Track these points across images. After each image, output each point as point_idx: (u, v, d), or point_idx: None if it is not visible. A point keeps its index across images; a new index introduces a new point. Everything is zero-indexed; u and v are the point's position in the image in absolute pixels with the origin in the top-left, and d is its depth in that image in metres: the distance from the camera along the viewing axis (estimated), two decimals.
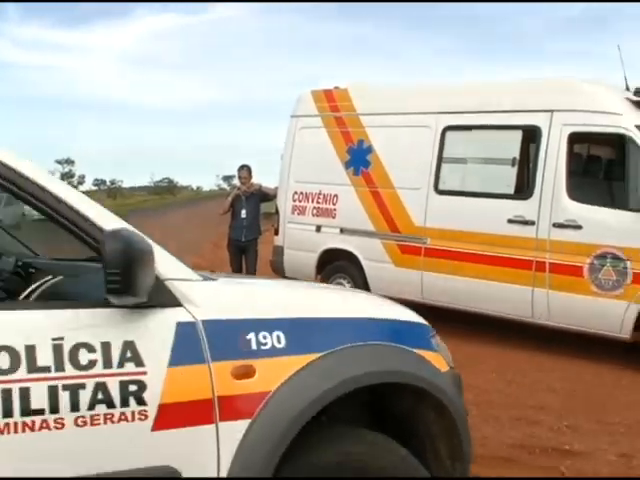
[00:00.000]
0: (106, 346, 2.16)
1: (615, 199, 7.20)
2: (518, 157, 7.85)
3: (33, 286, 2.77)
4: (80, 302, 2.31)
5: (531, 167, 7.84)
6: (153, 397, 2.18)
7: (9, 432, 2.00)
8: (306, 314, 2.53)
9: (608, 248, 6.97)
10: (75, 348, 2.12)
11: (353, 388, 2.40)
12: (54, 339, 2.11)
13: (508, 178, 7.90)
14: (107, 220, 2.30)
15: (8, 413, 2.00)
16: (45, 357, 2.09)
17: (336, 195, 9.23)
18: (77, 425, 2.09)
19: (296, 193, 9.59)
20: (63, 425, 2.07)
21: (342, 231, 9.16)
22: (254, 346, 2.33)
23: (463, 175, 8.43)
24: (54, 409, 2.06)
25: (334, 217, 9.25)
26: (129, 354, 2.18)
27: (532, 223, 7.47)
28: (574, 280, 7.14)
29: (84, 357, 2.12)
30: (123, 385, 2.15)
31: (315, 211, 9.35)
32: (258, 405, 2.29)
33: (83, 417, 2.10)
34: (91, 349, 2.14)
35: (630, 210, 6.89)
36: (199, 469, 2.24)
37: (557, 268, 7.30)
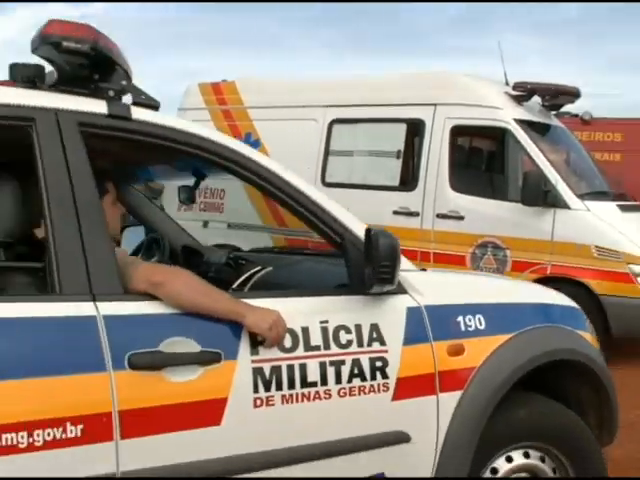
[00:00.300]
0: (358, 328, 2.50)
1: (495, 190, 7.52)
2: (403, 150, 7.96)
3: (244, 276, 3.03)
4: (334, 290, 2.62)
5: (415, 160, 7.99)
6: (393, 372, 2.53)
7: (292, 402, 2.32)
8: (499, 300, 2.94)
9: (489, 238, 7.22)
10: (337, 330, 2.45)
11: (541, 363, 2.85)
12: (321, 322, 2.43)
13: (393, 170, 8.03)
14: (347, 217, 2.62)
15: (291, 385, 2.31)
16: (315, 338, 2.40)
17: (223, 189, 8.99)
18: (339, 396, 2.42)
19: None
20: (330, 396, 2.41)
21: (229, 226, 8.96)
22: (462, 327, 2.72)
23: (350, 168, 8.47)
24: (324, 382, 2.39)
25: (221, 212, 9.06)
26: (375, 335, 2.52)
27: (417, 214, 7.63)
28: (457, 269, 7.22)
29: (344, 337, 2.46)
30: (371, 361, 2.50)
31: (202, 206, 9.00)
32: (468, 378, 2.68)
33: (344, 389, 2.43)
34: (348, 330, 2.48)
35: (509, 201, 7.19)
36: (424, 434, 2.62)
37: (441, 258, 7.51)
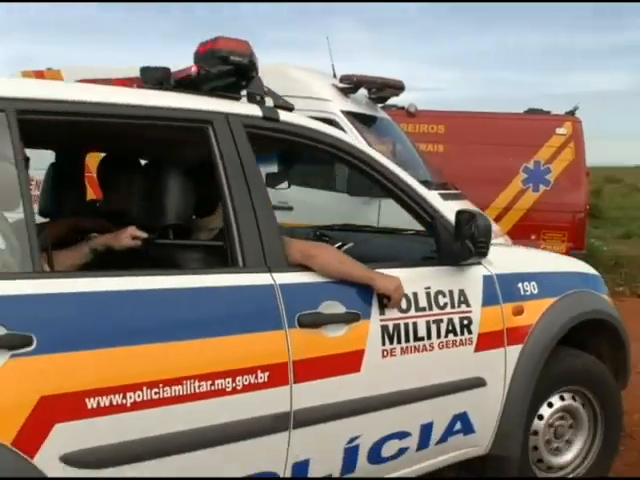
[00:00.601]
0: (451, 293, 3.11)
1: (323, 182, 7.61)
2: None
3: None
4: (430, 262, 3.23)
5: None
6: (475, 328, 3.16)
7: (408, 353, 2.93)
8: (547, 269, 3.63)
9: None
10: (436, 294, 3.07)
11: (580, 321, 3.51)
12: (425, 288, 3.01)
13: None
14: (437, 203, 3.26)
15: (407, 339, 2.92)
16: (422, 301, 3.00)
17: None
18: (439, 348, 3.03)
19: None
20: (432, 348, 3.01)
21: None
22: (522, 292, 3.39)
23: None
24: (429, 337, 2.99)
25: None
26: (462, 298, 3.14)
27: None
28: None
29: (441, 300, 3.06)
30: (460, 320, 3.11)
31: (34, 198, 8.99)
32: (527, 334, 3.33)
33: (442, 342, 3.05)
34: (444, 295, 3.09)
35: (337, 191, 7.40)
36: (495, 380, 3.27)
37: None
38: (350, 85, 7.27)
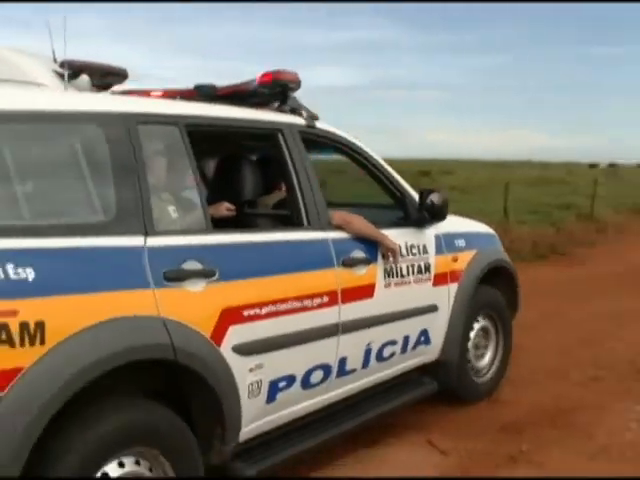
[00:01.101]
0: (418, 246, 4.72)
1: None
2: None
3: None
4: (405, 224, 4.76)
5: None
6: (432, 270, 4.80)
7: (399, 286, 4.47)
8: (469, 230, 5.44)
9: None
10: (410, 247, 4.66)
11: (493, 267, 5.46)
12: (405, 242, 4.60)
13: None
14: (405, 184, 4.86)
15: (397, 276, 4.45)
16: (404, 251, 4.58)
17: None
18: (414, 283, 4.62)
19: None
20: (410, 283, 4.59)
21: None
22: (457, 246, 5.11)
23: None
24: (407, 275, 4.55)
25: None
26: (424, 250, 4.76)
27: None
28: None
29: (414, 251, 4.66)
30: (425, 264, 4.71)
31: None
32: (460, 275, 5.03)
33: (414, 279, 4.63)
34: (414, 247, 4.69)
35: None
36: (443, 306, 4.95)
37: None
38: (71, 71, 7.54)
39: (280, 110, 4.10)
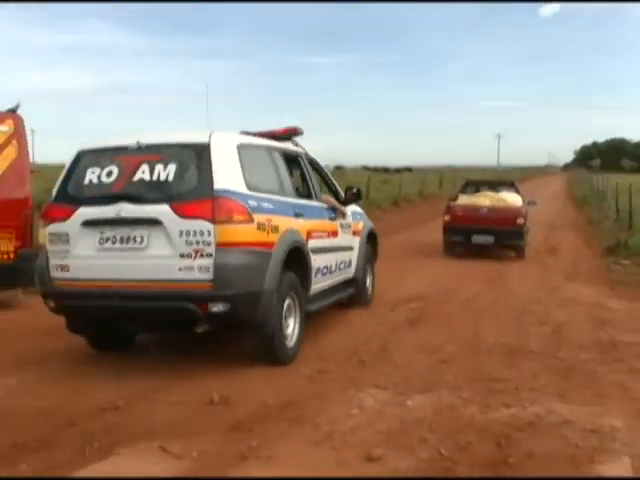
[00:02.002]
0: (347, 214, 9.12)
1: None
2: None
3: None
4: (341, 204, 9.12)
5: None
6: (351, 228, 9.16)
7: (343, 233, 8.84)
8: (358, 210, 9.95)
9: None
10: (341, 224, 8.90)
11: (370, 231, 10.32)
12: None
13: None
14: (337, 184, 9.57)
15: (343, 228, 8.89)
16: (341, 216, 8.98)
17: None
18: (346, 233, 8.88)
19: None
20: (345, 233, 8.88)
21: None
22: (357, 217, 9.61)
23: None
24: (344, 229, 8.86)
25: None
26: (349, 219, 9.13)
27: None
28: None
29: (347, 216, 9.05)
30: (348, 224, 9.06)
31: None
32: (360, 233, 9.55)
33: (347, 231, 8.90)
34: (346, 214, 9.10)
35: None
36: (355, 247, 9.32)
37: None
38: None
39: (293, 144, 8.60)
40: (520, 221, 15.50)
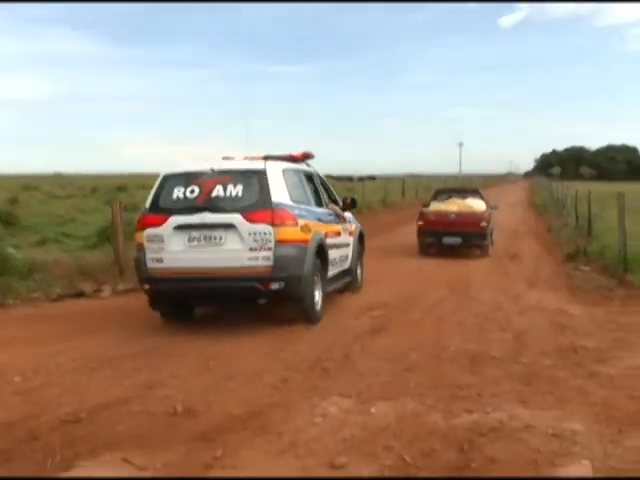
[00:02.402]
0: (348, 220, 11.69)
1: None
2: None
3: None
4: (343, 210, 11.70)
5: None
6: (348, 229, 11.49)
7: (346, 234, 11.41)
8: (351, 216, 12.58)
9: None
10: (348, 220, 11.80)
11: (360, 232, 13.07)
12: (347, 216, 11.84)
13: None
14: (336, 194, 11.88)
15: (345, 230, 11.40)
16: (345, 222, 11.64)
17: None
18: (345, 234, 11.25)
19: None
20: (345, 233, 11.28)
21: None
22: (351, 221, 12.04)
23: None
24: (344, 230, 11.19)
25: None
26: (349, 220, 11.67)
27: None
28: None
29: (347, 220, 11.55)
30: (347, 227, 11.45)
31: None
32: (353, 233, 12.03)
33: (345, 232, 11.25)
34: (348, 221, 11.68)
35: None
36: (351, 245, 11.78)
37: None
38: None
39: (307, 165, 10.72)
40: (483, 224, 17.61)
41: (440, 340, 8.36)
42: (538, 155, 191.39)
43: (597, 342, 8.20)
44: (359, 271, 12.23)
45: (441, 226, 17.70)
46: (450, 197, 19.16)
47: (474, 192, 19.75)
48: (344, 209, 11.44)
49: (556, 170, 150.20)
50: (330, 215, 10.61)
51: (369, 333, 8.79)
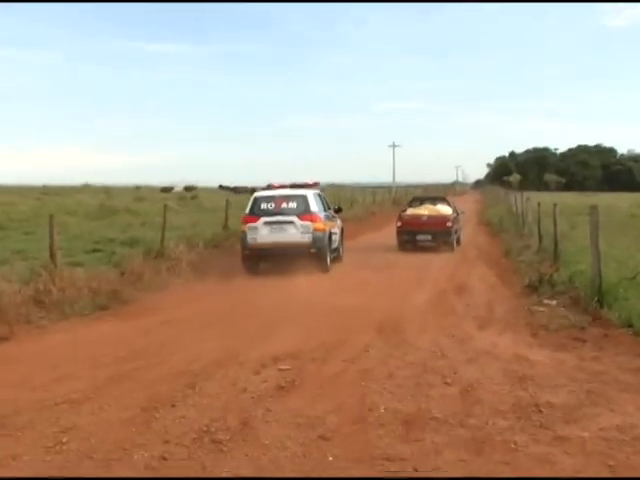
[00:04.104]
0: (336, 218, 25.36)
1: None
2: None
3: None
4: (335, 213, 26.59)
5: None
6: (338, 224, 25.12)
7: (337, 229, 24.91)
8: (328, 214, 24.89)
9: None
10: (334, 217, 25.12)
11: (341, 228, 27.44)
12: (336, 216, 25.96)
13: None
14: (330, 203, 26.90)
15: (335, 228, 24.58)
16: (338, 219, 25.86)
17: None
18: (337, 227, 24.61)
19: None
20: (336, 226, 25.18)
21: None
22: (337, 220, 25.79)
23: None
24: (336, 225, 24.55)
25: None
26: (338, 220, 25.20)
27: None
28: None
29: (337, 219, 25.32)
30: (338, 223, 25.27)
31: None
32: (339, 227, 25.62)
33: (336, 226, 24.36)
34: (336, 218, 25.47)
35: None
36: (338, 233, 25.36)
37: None
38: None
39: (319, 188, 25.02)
40: (449, 224, 28.35)
41: (366, 398, 8.41)
42: (492, 159, 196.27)
43: (565, 397, 8.39)
44: (341, 249, 24.85)
45: (416, 226, 28.71)
46: (423, 203, 30.83)
47: (442, 199, 32.00)
48: (336, 212, 25.24)
49: (515, 178, 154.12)
50: (331, 216, 23.55)
51: (274, 392, 8.79)
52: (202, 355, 10.61)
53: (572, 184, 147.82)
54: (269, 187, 24.05)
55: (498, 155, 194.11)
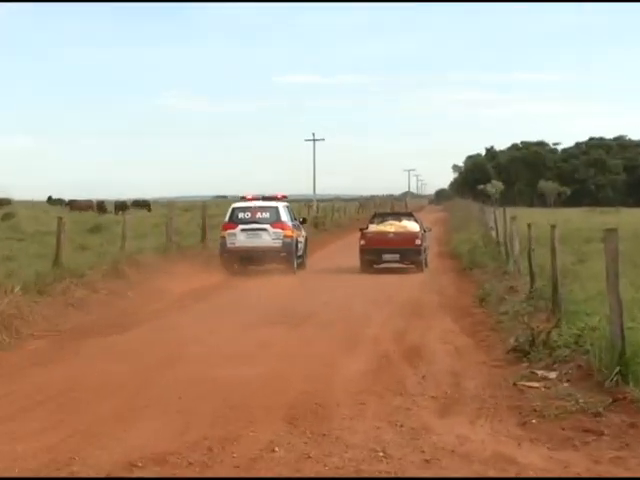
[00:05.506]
0: (301, 228, 50.79)
1: None
2: None
3: None
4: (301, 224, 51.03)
5: None
6: (303, 233, 49.26)
7: (300, 236, 48.81)
8: (294, 222, 50.01)
9: None
10: (300, 227, 49.94)
11: (305, 237, 53.40)
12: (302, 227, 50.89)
13: None
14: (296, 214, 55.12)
15: (300, 238, 48.77)
16: (302, 230, 50.09)
17: None
18: (301, 236, 47.39)
19: None
20: (301, 235, 48.05)
21: None
22: (302, 230, 50.86)
23: None
24: (301, 234, 47.75)
25: None
26: (302, 229, 48.97)
27: None
28: None
29: (302, 230, 49.28)
30: (303, 232, 48.96)
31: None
32: (303, 236, 50.46)
33: (301, 235, 46.96)
34: (301, 228, 49.84)
35: None
36: (302, 241, 49.97)
37: None
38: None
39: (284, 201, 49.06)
40: (418, 242, 37.77)
41: None
42: (461, 160, 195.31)
43: None
44: (305, 257, 43.74)
45: (382, 244, 38.31)
46: (386, 220, 40.71)
47: (408, 215, 42.06)
48: (302, 223, 46.80)
49: (495, 186, 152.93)
50: (297, 226, 43.90)
51: None
52: (14, 464, 10.19)
53: (580, 195, 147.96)
54: (243, 199, 43.20)
55: (470, 153, 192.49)
